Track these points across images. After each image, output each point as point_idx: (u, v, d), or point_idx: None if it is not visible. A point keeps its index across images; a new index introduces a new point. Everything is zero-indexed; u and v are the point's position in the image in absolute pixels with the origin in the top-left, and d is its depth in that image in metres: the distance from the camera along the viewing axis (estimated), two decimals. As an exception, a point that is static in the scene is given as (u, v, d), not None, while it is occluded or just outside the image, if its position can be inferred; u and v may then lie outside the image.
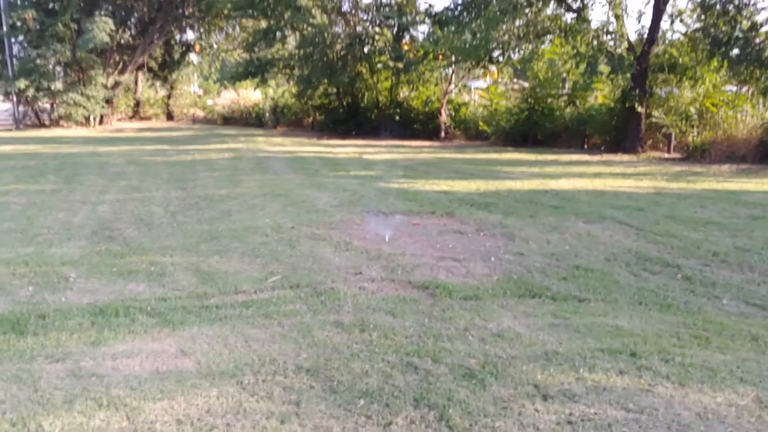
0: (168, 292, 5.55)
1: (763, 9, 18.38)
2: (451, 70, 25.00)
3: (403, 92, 27.24)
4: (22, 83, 26.79)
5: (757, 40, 17.07)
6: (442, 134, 25.44)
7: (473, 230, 7.89)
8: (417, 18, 25.24)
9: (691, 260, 6.75)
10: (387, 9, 26.10)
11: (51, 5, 28.47)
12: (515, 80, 25.30)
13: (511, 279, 5.95)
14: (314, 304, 5.20)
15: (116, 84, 30.97)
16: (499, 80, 26.12)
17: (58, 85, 27.88)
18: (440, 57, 22.91)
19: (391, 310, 5.06)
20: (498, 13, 19.34)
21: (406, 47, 25.54)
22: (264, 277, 5.90)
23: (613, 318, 5.03)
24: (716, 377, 3.91)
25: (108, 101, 30.44)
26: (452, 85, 26.25)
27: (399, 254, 6.72)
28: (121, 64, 31.84)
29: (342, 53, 25.52)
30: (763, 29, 17.80)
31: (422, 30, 25.84)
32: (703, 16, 18.66)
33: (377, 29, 25.66)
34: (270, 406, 3.50)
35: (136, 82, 35.92)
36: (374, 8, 26.71)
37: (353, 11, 26.71)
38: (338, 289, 5.54)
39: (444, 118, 25.63)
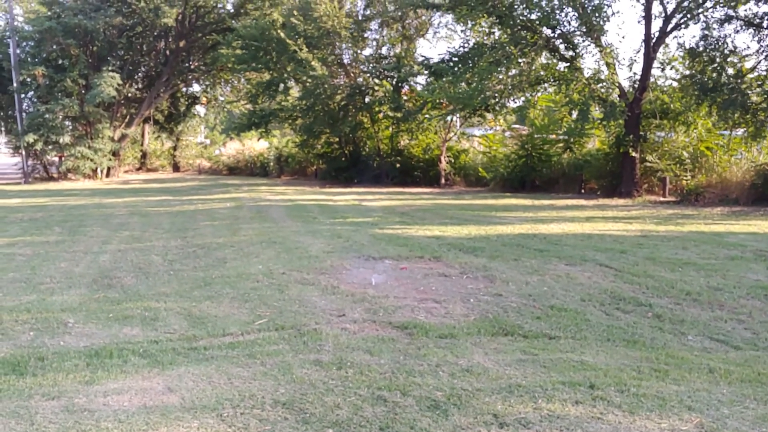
0: (160, 335, 5.86)
1: (748, 56, 18.81)
2: (449, 119, 25.59)
3: (404, 140, 27.83)
4: (30, 137, 27.51)
5: (743, 87, 17.54)
6: (442, 181, 25.91)
7: (457, 273, 8.21)
8: (415, 69, 25.94)
9: (664, 299, 7.04)
10: (386, 62, 26.85)
11: (60, 62, 29.41)
12: (516, 126, 25.85)
13: (487, 318, 6.25)
14: (297, 344, 5.50)
15: (123, 137, 31.71)
16: (496, 128, 26.70)
17: (66, 138, 28.60)
18: (444, 105, 23.50)
19: (369, 349, 5.35)
20: (491, 63, 19.92)
21: (405, 97, 26.20)
22: (251, 320, 6.22)
23: (579, 354, 5.31)
24: (665, 406, 4.18)
25: (115, 154, 31.13)
26: (451, 133, 26.82)
27: (383, 297, 7.03)
28: (128, 117, 32.64)
29: (343, 103, 26.20)
30: (749, 76, 18.31)
31: (421, 81, 26.54)
32: (691, 64, 19.21)
33: (377, 80, 26.36)
34: (245, 435, 3.79)
35: (142, 135, 36.73)
36: (374, 60, 27.48)
37: (353, 63, 27.47)
38: (321, 330, 5.85)
39: (444, 165, 26.13)
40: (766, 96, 17.36)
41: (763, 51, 18.22)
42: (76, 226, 13.64)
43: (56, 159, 30.60)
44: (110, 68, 28.85)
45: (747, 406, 4.23)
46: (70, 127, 29.74)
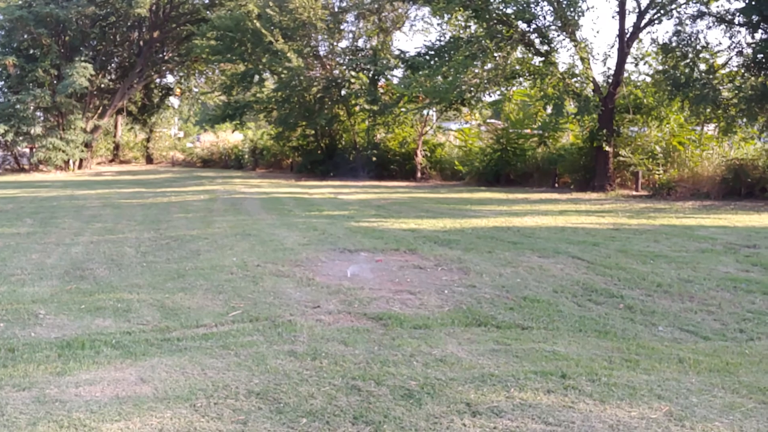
0: (133, 326, 5.82)
1: (719, 52, 19.08)
2: (426, 112, 25.64)
3: (380, 134, 27.82)
4: (1, 128, 27.07)
5: (714, 82, 17.78)
6: (418, 174, 25.97)
7: (432, 265, 8.25)
8: (391, 62, 25.94)
9: (635, 291, 7.13)
10: (362, 54, 26.82)
11: (31, 51, 28.96)
12: (491, 121, 25.96)
13: (460, 309, 6.29)
14: (271, 335, 5.49)
15: (95, 128, 31.34)
16: (472, 122, 26.80)
17: (37, 129, 28.20)
18: (420, 99, 23.53)
19: (343, 340, 5.36)
20: (467, 57, 19.98)
21: (382, 90, 26.20)
22: (225, 312, 6.20)
23: (551, 344, 5.37)
24: (636, 395, 4.24)
25: (87, 145, 30.77)
26: (427, 127, 26.87)
27: (358, 288, 7.04)
28: (100, 108, 32.26)
29: (319, 96, 26.13)
30: (720, 72, 18.57)
31: (397, 74, 26.57)
32: (664, 59, 19.43)
33: (353, 73, 26.32)
34: (219, 425, 3.78)
35: (115, 126, 36.32)
36: (350, 53, 27.43)
37: (330, 55, 27.40)
38: (295, 322, 5.84)
39: (420, 158, 26.19)
40: (737, 92, 17.63)
41: (734, 47, 18.49)
42: (47, 218, 13.47)
43: (27, 150, 30.18)
44: (83, 58, 28.46)
45: (715, 394, 4.30)
46: (42, 118, 29.35)
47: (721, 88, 17.95)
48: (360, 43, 28.12)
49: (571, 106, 21.15)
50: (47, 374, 4.66)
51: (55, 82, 28.46)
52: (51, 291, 7.23)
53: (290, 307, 6.35)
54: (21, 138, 28.39)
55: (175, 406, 4.04)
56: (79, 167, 30.69)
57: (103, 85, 32.00)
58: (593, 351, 5.23)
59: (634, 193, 19.57)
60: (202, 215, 13.69)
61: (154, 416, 3.90)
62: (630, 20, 20.02)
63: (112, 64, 33.77)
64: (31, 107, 28.13)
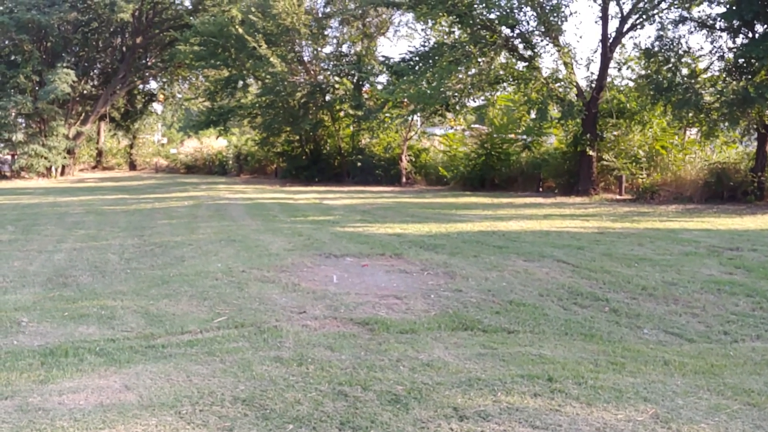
0: (117, 333, 5.77)
1: (701, 57, 19.26)
2: (410, 118, 25.66)
3: (365, 139, 27.81)
4: (-19, 135, 26.84)
5: (696, 87, 17.93)
6: (404, 180, 25.97)
7: (418, 270, 8.24)
8: (376, 68, 25.96)
9: (620, 294, 7.16)
10: (346, 60, 26.83)
11: (12, 57, 28.73)
12: (476, 126, 26.03)
13: (447, 314, 6.29)
14: (257, 341, 5.46)
15: (78, 134, 31.11)
16: (457, 128, 26.86)
17: (19, 136, 27.94)
18: (405, 104, 23.53)
19: (330, 345, 5.34)
20: (451, 62, 20.04)
21: (366, 95, 26.21)
22: (210, 318, 6.15)
23: (538, 348, 5.37)
24: (622, 397, 4.25)
25: (70, 152, 30.53)
26: (412, 132, 26.89)
27: (344, 294, 7.02)
28: (83, 114, 32.02)
29: (303, 101, 26.09)
30: (702, 76, 18.74)
31: (382, 80, 26.59)
32: (647, 64, 19.58)
33: (337, 78, 26.31)
34: (204, 432, 3.75)
35: (98, 132, 36.08)
36: (334, 58, 27.43)
37: (314, 61, 27.38)
38: (281, 327, 5.81)
39: (405, 163, 26.20)
40: (718, 96, 17.78)
41: (716, 51, 18.67)
42: (29, 225, 13.34)
43: (8, 157, 29.90)
44: (65, 64, 28.25)
45: (700, 396, 4.33)
46: (23, 125, 29.08)
47: (703, 92, 18.09)
48: (344, 48, 28.12)
49: (554, 111, 21.26)
50: (30, 382, 4.60)
51: (36, 88, 28.23)
52: (33, 298, 7.16)
53: (276, 313, 6.31)
54: (2, 145, 28.17)
55: (160, 414, 4.00)
56: (62, 174, 30.43)
57: (85, 92, 31.78)
58: (579, 354, 5.24)
59: (618, 197, 19.68)
60: (186, 221, 13.62)
61: (139, 424, 3.86)
62: (613, 25, 20.23)
63: (95, 70, 33.54)
64: (13, 114, 27.88)
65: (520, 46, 21.05)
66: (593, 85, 20.74)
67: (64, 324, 6.09)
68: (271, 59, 24.09)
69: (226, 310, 6.45)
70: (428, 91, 20.51)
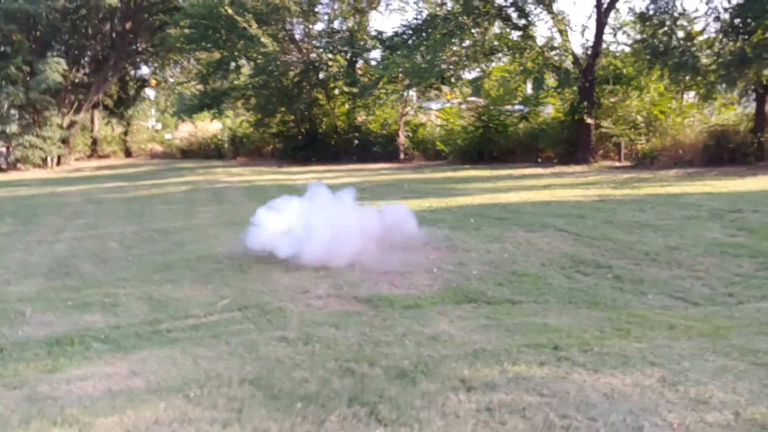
0: (121, 320, 5.77)
1: (696, 19, 19.09)
2: (406, 93, 25.49)
3: (361, 116, 27.64)
4: (-25, 128, 26.67)
5: (693, 49, 17.80)
6: (401, 156, 25.85)
7: (420, 245, 8.22)
8: (369, 44, 25.75)
9: (623, 260, 7.16)
10: (338, 36, 26.61)
11: (2, 49, 28.48)
12: (472, 99, 25.86)
13: (450, 287, 6.29)
14: (261, 323, 5.46)
15: (72, 124, 30.91)
16: (452, 102, 26.71)
17: (13, 128, 27.73)
18: (400, 79, 23.34)
19: (335, 323, 5.34)
20: (445, 35, 19.87)
21: (360, 71, 26.03)
22: (214, 302, 6.16)
23: (542, 317, 5.38)
24: (629, 363, 4.25)
25: (64, 141, 30.34)
26: (408, 107, 26.75)
27: (347, 272, 7.02)
28: (76, 103, 31.77)
29: (297, 80, 25.89)
30: (698, 38, 18.60)
31: (375, 55, 26.39)
32: (642, 28, 19.41)
33: (330, 56, 26.11)
34: (214, 414, 3.75)
35: (92, 121, 35.82)
36: (326, 35, 27.20)
37: (305, 39, 27.15)
38: (285, 308, 5.82)
39: (402, 139, 26.06)
40: (715, 58, 17.65)
41: (711, 13, 18.46)
42: (28, 216, 13.31)
43: (4, 149, 29.75)
44: (55, 53, 27.96)
45: (707, 358, 4.33)
46: (17, 116, 28.85)
47: (699, 54, 17.94)
48: (336, 24, 27.80)
49: (551, 80, 21.10)
50: (38, 372, 4.61)
51: (28, 78, 28.01)
52: (36, 289, 7.16)
53: (279, 294, 6.32)
54: (-4, 137, 28.00)
55: (168, 398, 4.00)
56: (58, 164, 30.27)
57: (77, 80, 31.48)
58: (584, 322, 5.25)
59: (618, 164, 19.62)
60: (184, 206, 13.58)
61: (148, 408, 3.86)
62: (607, -10, 19.97)
63: (86, 58, 33.19)
64: (5, 105, 27.67)
65: (514, 15, 20.85)
66: (589, 52, 20.56)
67: (68, 313, 6.09)
68: (262, 39, 23.87)
69: (229, 293, 6.45)
70: (423, 65, 20.36)
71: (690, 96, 21.51)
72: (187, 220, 11.48)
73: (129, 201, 15.23)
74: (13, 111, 28.47)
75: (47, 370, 4.63)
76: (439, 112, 26.77)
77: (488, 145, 23.25)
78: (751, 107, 19.49)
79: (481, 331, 4.99)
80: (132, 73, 35.84)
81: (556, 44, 20.64)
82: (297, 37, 26.91)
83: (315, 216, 7.64)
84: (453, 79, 22.87)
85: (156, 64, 35.45)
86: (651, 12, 18.75)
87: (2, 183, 22.91)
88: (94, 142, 36.46)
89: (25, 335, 5.53)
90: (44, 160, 29.13)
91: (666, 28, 18.59)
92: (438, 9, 22.34)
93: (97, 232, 10.85)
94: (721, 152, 18.03)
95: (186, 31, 26.69)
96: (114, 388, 4.21)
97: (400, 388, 3.97)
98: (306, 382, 4.13)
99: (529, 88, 21.81)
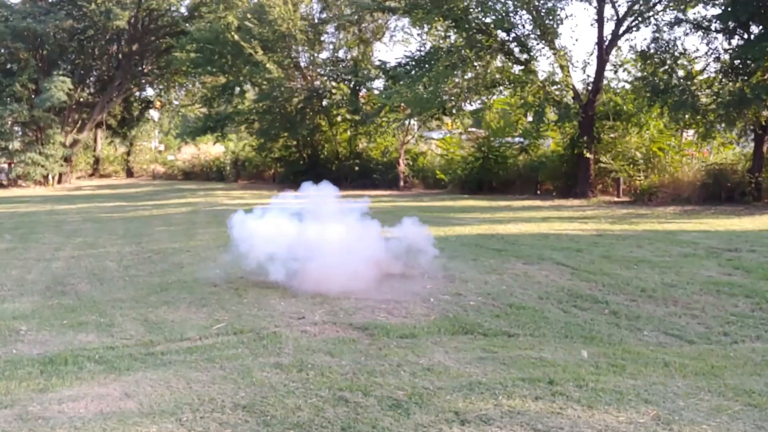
0: (116, 341, 5.76)
1: (697, 58, 19.28)
2: (407, 122, 25.66)
3: (362, 143, 27.81)
4: (-22, 144, 26.77)
5: (693, 88, 17.95)
6: (401, 183, 25.95)
7: (417, 273, 8.22)
8: (372, 73, 25.98)
9: (620, 296, 7.16)
10: (343, 65, 26.86)
11: (8, 66, 28.70)
12: (472, 130, 26.01)
13: (447, 318, 6.28)
14: (256, 347, 5.45)
15: (75, 142, 31.06)
16: (453, 132, 26.86)
17: (15, 144, 27.88)
18: (402, 109, 23.51)
19: (329, 351, 5.33)
20: (447, 67, 20.06)
21: (363, 100, 26.23)
22: (209, 325, 6.14)
23: (538, 351, 5.37)
24: (623, 399, 4.24)
25: (66, 160, 30.47)
26: (409, 136, 26.90)
27: (343, 299, 7.01)
28: (79, 122, 31.96)
29: (300, 106, 26.10)
30: (698, 78, 18.78)
31: (378, 84, 26.60)
32: (643, 66, 19.61)
33: (334, 83, 26.33)
34: (205, 439, 3.74)
35: (95, 140, 35.99)
36: (331, 63, 27.46)
37: (310, 66, 27.39)
38: (281, 333, 5.80)
39: (402, 167, 26.18)
40: (715, 97, 17.80)
41: (711, 53, 18.69)
42: (27, 233, 13.31)
43: (5, 166, 29.83)
44: (61, 72, 28.17)
45: (701, 398, 4.32)
46: (20, 133, 29.03)
47: (699, 93, 18.11)
48: (340, 53, 28.13)
49: (551, 114, 21.25)
50: (30, 391, 4.59)
51: (33, 96, 28.18)
52: (32, 307, 7.15)
53: (275, 319, 6.31)
54: (-1, 153, 28.10)
55: (160, 421, 3.99)
56: (59, 182, 30.36)
57: (81, 99, 31.68)
58: (580, 357, 5.24)
59: (616, 199, 19.69)
60: (184, 228, 13.60)
61: (140, 431, 3.85)
62: (608, 28, 20.19)
63: (91, 78, 33.47)
64: (9, 122, 27.82)
65: (516, 49, 21.07)
66: (590, 88, 20.74)
67: (63, 332, 6.07)
68: (268, 65, 24.10)
69: (225, 316, 6.44)
70: (425, 96, 20.51)
71: (689, 134, 21.65)
72: (185, 242, 11.48)
73: (128, 221, 15.25)
74: (16, 128, 28.63)
75: (39, 390, 4.61)
76: (440, 141, 26.94)
77: (488, 176, 23.36)
78: (750, 147, 19.63)
79: (477, 363, 4.98)
80: (136, 94, 36.09)
81: (557, 79, 20.83)
82: (302, 64, 27.18)
83: (312, 237, 7.64)
84: (454, 110, 23.02)
85: (161, 86, 35.69)
86: (652, 50, 18.97)
87: (2, 199, 22.93)
88: (96, 161, 36.59)
89: (18, 353, 5.51)
90: (45, 178, 29.23)
91: (666, 67, 18.79)
92: (441, 41, 22.59)
93: (95, 251, 10.85)
94: (719, 191, 18.13)
95: (192, 54, 26.96)
96: (106, 410, 4.20)
97: (394, 419, 3.96)
98: (299, 409, 4.12)
99: (529, 118, 21.93)
